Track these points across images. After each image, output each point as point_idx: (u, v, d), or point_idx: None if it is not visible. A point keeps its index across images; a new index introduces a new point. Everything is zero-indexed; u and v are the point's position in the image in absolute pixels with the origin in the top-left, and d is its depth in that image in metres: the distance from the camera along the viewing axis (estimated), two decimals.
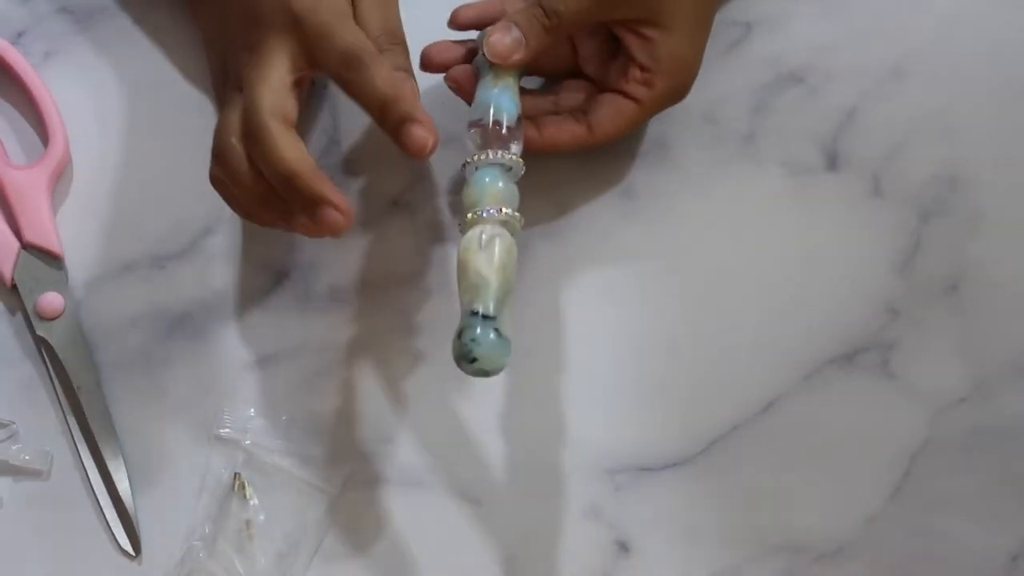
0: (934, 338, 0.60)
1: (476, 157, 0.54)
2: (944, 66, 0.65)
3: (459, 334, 0.49)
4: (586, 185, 0.62)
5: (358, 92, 0.52)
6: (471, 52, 0.59)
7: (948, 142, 0.64)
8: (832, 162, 0.63)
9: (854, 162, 0.63)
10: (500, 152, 0.54)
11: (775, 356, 0.60)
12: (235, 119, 0.53)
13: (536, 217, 0.62)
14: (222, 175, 0.54)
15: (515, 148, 0.55)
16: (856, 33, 0.66)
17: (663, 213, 0.62)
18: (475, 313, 0.49)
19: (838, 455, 0.58)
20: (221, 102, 0.60)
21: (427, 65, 0.59)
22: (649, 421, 0.59)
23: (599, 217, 0.62)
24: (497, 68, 0.56)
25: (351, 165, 0.63)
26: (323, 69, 0.54)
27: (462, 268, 0.51)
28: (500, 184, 0.53)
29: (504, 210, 0.53)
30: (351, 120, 0.64)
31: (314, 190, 0.51)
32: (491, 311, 0.49)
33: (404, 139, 0.51)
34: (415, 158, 0.52)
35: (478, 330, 0.49)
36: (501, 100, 0.56)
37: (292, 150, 0.51)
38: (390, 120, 0.52)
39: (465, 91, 0.58)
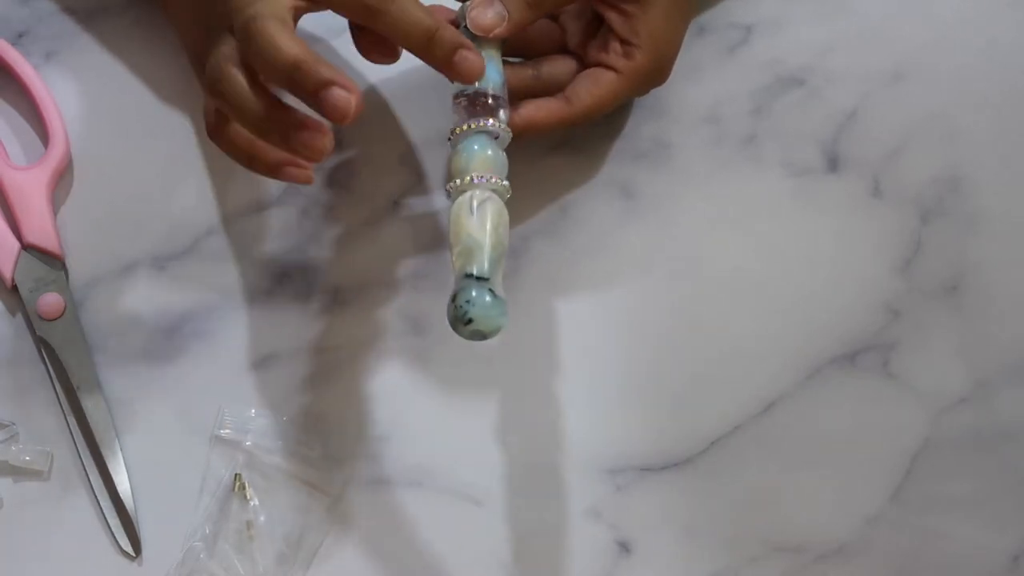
0: (934, 338, 0.60)
1: (464, 127, 0.54)
2: (944, 68, 0.65)
3: (453, 297, 0.49)
4: (586, 185, 0.63)
5: (393, 23, 0.51)
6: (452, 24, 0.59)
7: (948, 143, 0.64)
8: (833, 163, 0.63)
9: (854, 163, 0.63)
10: (487, 120, 0.54)
11: (775, 356, 0.60)
12: (226, 49, 0.52)
13: (536, 217, 0.62)
14: (220, 104, 0.52)
15: (502, 116, 0.55)
16: (856, 35, 0.66)
17: (663, 214, 0.62)
18: (469, 275, 0.49)
19: (838, 455, 0.58)
20: (203, 69, 0.57)
21: None
22: (649, 421, 0.59)
23: (599, 217, 0.62)
24: (479, 39, 0.56)
25: (351, 165, 0.63)
26: (337, 3, 0.52)
27: (454, 233, 0.51)
28: (489, 152, 0.54)
29: (494, 179, 0.53)
30: None
31: (320, 73, 0.48)
32: (485, 272, 0.49)
33: (458, 68, 0.52)
34: (468, 83, 0.53)
35: (473, 292, 0.49)
36: (485, 70, 0.56)
37: (292, 42, 0.49)
38: (439, 50, 0.51)
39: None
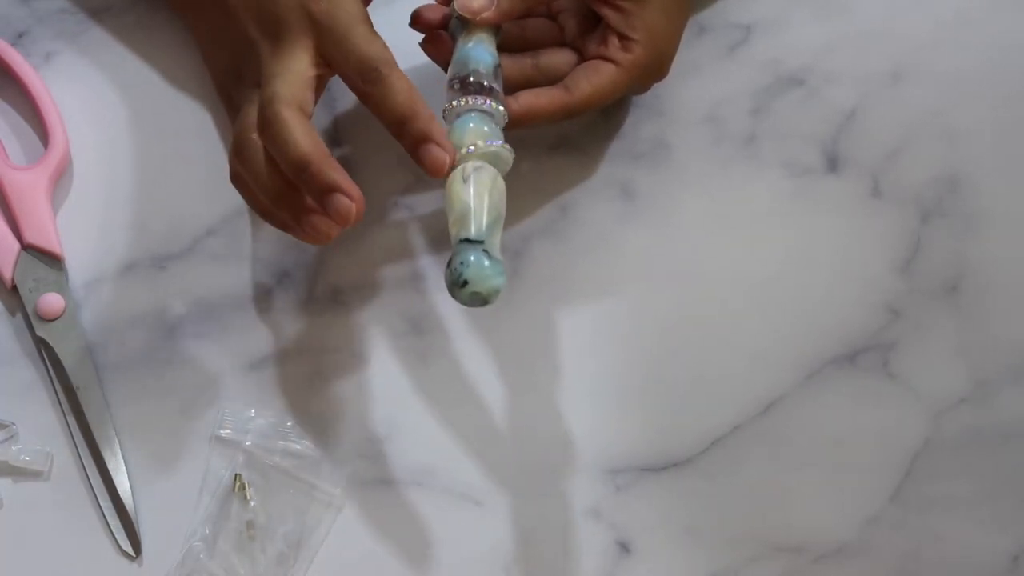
0: (934, 338, 0.60)
1: (456, 103, 0.54)
2: (944, 68, 0.65)
3: (449, 262, 0.49)
4: (586, 185, 0.63)
5: (375, 106, 0.53)
6: (448, 19, 0.59)
7: (948, 143, 0.64)
8: (832, 163, 0.63)
9: (854, 163, 0.63)
10: (480, 99, 0.54)
11: (775, 356, 0.60)
12: (255, 114, 0.53)
13: (536, 217, 0.62)
14: (241, 170, 0.54)
15: (495, 95, 0.55)
16: (856, 35, 0.66)
17: (663, 214, 0.62)
18: (464, 240, 0.49)
19: (838, 455, 0.58)
20: (230, 102, 0.60)
21: (415, 20, 0.59)
22: (649, 421, 0.59)
23: (599, 217, 0.62)
24: (471, 26, 0.57)
25: (351, 165, 0.63)
26: (341, 75, 0.54)
27: (448, 203, 0.51)
28: (485, 127, 0.54)
29: (491, 143, 0.53)
30: (351, 120, 0.64)
31: (326, 177, 0.51)
32: (480, 235, 0.49)
33: (422, 158, 0.52)
34: (431, 176, 0.52)
35: (467, 255, 0.49)
36: (475, 52, 0.56)
37: (306, 138, 0.51)
38: (408, 137, 0.52)
39: (437, 55, 0.59)
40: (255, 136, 0.53)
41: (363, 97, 0.54)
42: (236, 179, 0.55)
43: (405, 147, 0.53)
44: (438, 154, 0.52)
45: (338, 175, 0.51)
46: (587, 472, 0.58)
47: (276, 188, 0.53)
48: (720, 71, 0.65)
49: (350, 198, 0.51)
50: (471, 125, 0.53)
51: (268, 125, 0.52)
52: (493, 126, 0.54)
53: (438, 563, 0.57)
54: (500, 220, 0.51)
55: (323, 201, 0.51)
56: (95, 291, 0.61)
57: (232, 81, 0.59)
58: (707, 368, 0.60)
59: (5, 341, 0.60)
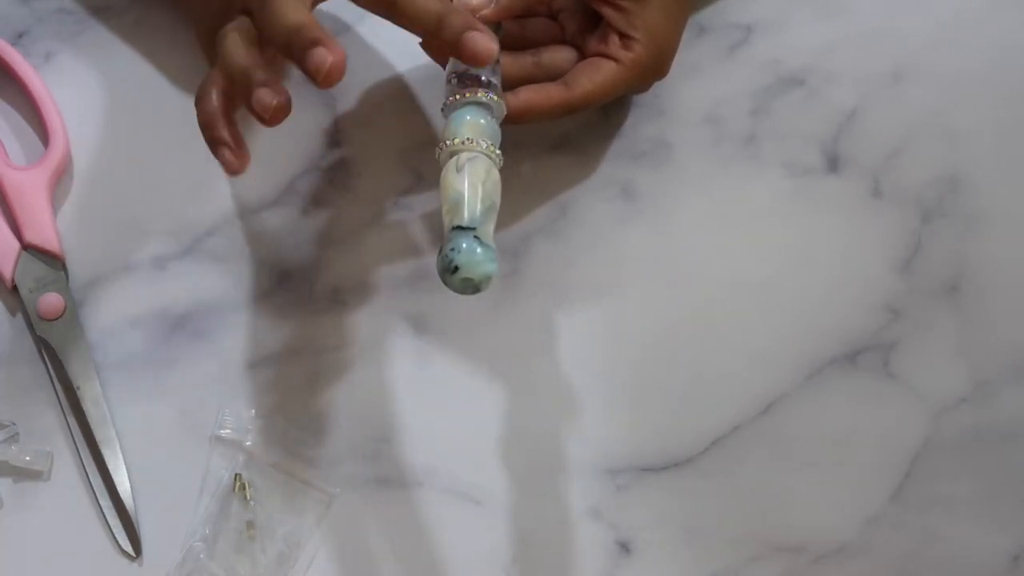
0: (934, 338, 0.60)
1: (455, 96, 0.54)
2: (944, 68, 0.65)
3: (440, 249, 0.49)
4: (586, 185, 0.63)
5: (407, 8, 0.52)
6: None
7: (948, 143, 0.64)
8: (833, 163, 0.63)
9: (854, 163, 0.63)
10: (478, 91, 0.54)
11: (775, 356, 0.60)
12: (234, 23, 0.52)
13: (536, 217, 0.62)
14: (216, 62, 0.52)
15: (493, 89, 0.55)
16: (856, 35, 0.66)
17: (664, 213, 0.62)
18: (456, 227, 0.49)
19: (838, 455, 0.58)
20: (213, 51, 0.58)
21: None
22: (650, 421, 0.59)
23: (599, 217, 0.62)
24: None
25: (351, 165, 0.63)
26: None
27: (442, 192, 0.51)
28: (481, 120, 0.53)
29: (482, 143, 0.52)
30: (351, 120, 0.64)
31: (312, 33, 0.49)
32: (473, 222, 0.49)
33: (468, 47, 0.51)
34: (478, 65, 0.52)
35: (459, 241, 0.48)
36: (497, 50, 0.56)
37: (300, 11, 0.50)
38: (449, 31, 0.51)
39: (437, 54, 0.59)
40: (232, 30, 0.52)
41: (388, 5, 0.52)
42: (199, 91, 0.53)
43: (445, 44, 0.52)
44: (483, 39, 0.51)
45: (326, 37, 0.49)
46: (587, 472, 0.58)
47: (241, 62, 0.51)
48: (720, 71, 0.65)
49: (328, 50, 0.48)
50: (467, 117, 0.53)
51: (265, 4, 0.50)
52: (490, 118, 0.54)
53: (438, 563, 0.57)
54: (494, 209, 0.51)
55: (304, 60, 0.49)
56: (95, 291, 0.61)
57: (219, 25, 0.56)
58: (707, 368, 0.60)
59: (5, 341, 0.60)
